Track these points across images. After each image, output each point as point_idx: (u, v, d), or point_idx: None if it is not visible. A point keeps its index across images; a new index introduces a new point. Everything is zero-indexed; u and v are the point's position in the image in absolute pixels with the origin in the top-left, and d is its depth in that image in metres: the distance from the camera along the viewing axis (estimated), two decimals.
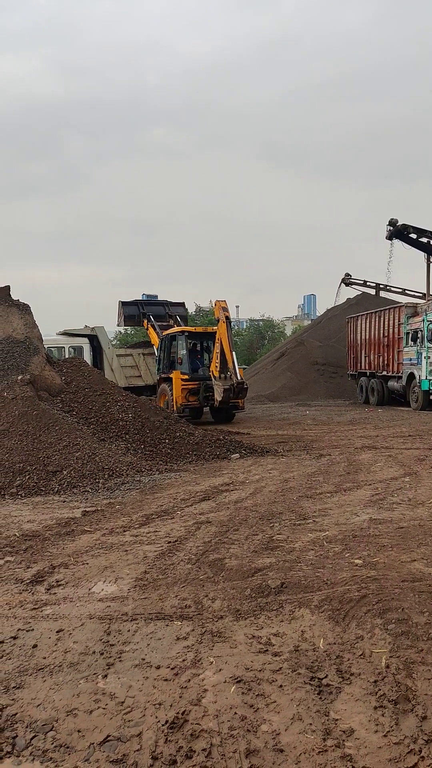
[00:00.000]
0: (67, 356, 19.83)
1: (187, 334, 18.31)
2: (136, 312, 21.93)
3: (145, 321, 21.59)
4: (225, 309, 17.17)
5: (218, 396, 16.42)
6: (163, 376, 18.55)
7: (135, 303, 22.53)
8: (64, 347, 20.96)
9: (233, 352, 17.04)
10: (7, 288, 11.48)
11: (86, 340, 21.29)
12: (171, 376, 17.57)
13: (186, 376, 17.35)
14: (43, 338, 14.50)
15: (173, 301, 23.01)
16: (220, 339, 16.72)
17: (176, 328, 18.92)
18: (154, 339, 20.66)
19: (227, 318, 16.92)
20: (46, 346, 14.96)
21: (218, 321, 17.07)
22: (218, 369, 16.55)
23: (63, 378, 11.11)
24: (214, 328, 18.12)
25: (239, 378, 16.96)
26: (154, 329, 20.80)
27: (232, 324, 17.60)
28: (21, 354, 10.62)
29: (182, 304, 23.22)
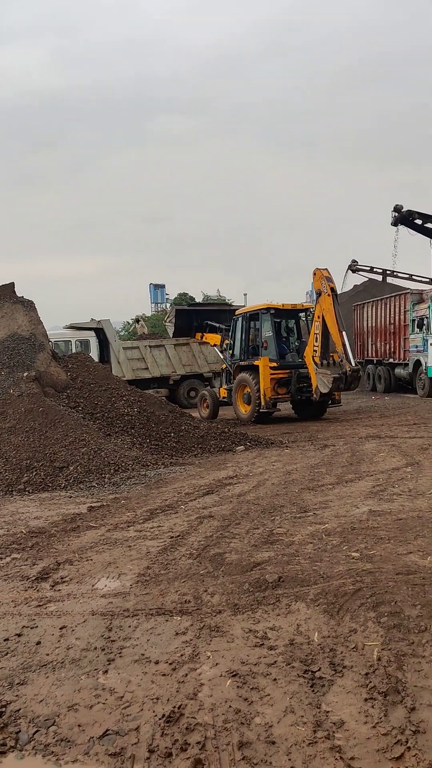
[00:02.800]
0: (73, 350, 19.98)
1: (273, 311, 15.12)
2: (189, 323, 19.40)
3: (198, 334, 19.35)
4: (329, 279, 14.39)
5: (323, 387, 13.70)
6: (241, 363, 15.50)
7: (191, 310, 20.12)
8: (70, 341, 21.08)
9: (343, 332, 14.34)
10: (12, 285, 11.58)
11: (93, 333, 21.38)
12: (255, 363, 14.70)
13: (275, 364, 14.57)
14: (50, 332, 14.63)
15: (236, 306, 20.59)
16: (321, 316, 14.07)
17: (257, 305, 15.88)
18: (214, 338, 18.37)
19: (332, 290, 14.23)
20: (52, 340, 15.10)
21: (319, 294, 14.36)
22: (319, 354, 14.05)
23: (68, 374, 11.22)
24: (305, 304, 16.07)
25: (353, 364, 14.42)
26: (212, 331, 18.65)
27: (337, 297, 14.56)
28: (26, 351, 10.73)
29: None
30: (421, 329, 20.24)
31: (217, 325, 18.66)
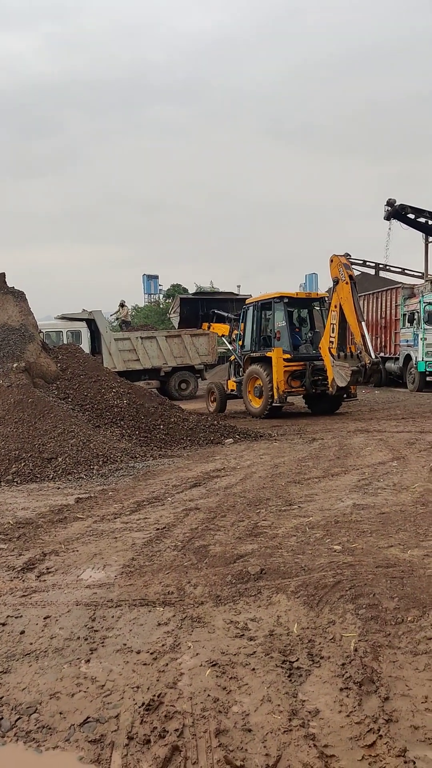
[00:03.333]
0: (65, 341, 19.95)
1: (287, 300, 14.31)
2: (195, 312, 18.58)
3: (205, 324, 18.65)
4: (347, 266, 13.91)
5: (341, 380, 13.11)
6: (252, 355, 14.83)
7: (196, 299, 19.03)
8: (62, 332, 21.04)
9: (362, 323, 13.73)
10: (2, 275, 11.56)
11: (84, 324, 21.36)
12: (268, 355, 14.01)
13: (288, 355, 13.83)
14: (41, 322, 14.60)
15: (241, 295, 19.25)
16: (339, 306, 13.53)
17: (270, 294, 14.95)
18: (222, 328, 17.77)
19: (351, 278, 13.66)
20: (43, 331, 15.08)
21: (336, 282, 13.84)
22: (335, 345, 13.44)
23: (58, 365, 11.24)
24: (319, 293, 15.40)
25: (373, 356, 13.72)
26: (219, 321, 17.95)
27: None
28: (16, 341, 10.73)
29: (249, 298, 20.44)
30: (411, 324, 20.34)
31: (226, 314, 18.00)
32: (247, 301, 16.04)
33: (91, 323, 21.27)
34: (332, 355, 13.50)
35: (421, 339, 19.44)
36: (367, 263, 33.67)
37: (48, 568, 4.60)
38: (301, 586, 3.86)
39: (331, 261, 14.28)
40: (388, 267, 33.10)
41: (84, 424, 9.57)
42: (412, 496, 6.13)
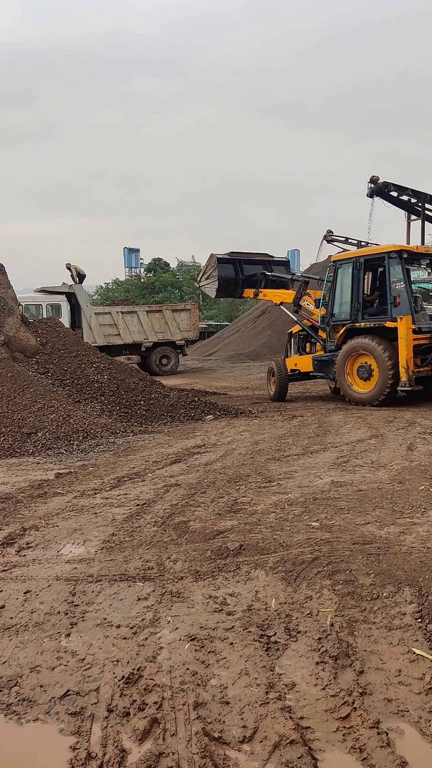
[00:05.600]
0: (44, 314, 19.77)
1: (406, 255, 11.71)
2: (234, 276, 15.13)
3: (251, 291, 15.26)
4: None
5: None
6: (358, 326, 12.03)
7: (234, 260, 15.25)
8: (41, 305, 20.87)
9: None
10: None
11: (64, 297, 21.18)
12: (388, 325, 11.38)
13: (414, 326, 11.11)
14: (21, 295, 14.42)
15: (277, 257, 16.05)
16: None
17: (381, 247, 12.56)
18: (281, 295, 14.69)
19: None
20: (23, 304, 14.89)
21: None
22: None
23: (38, 339, 11.15)
24: None
25: None
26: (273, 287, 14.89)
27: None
28: None
29: (287, 263, 16.66)
30: None
31: (290, 276, 15.11)
32: (336, 257, 13.32)
33: (71, 297, 21.10)
34: None
35: None
36: (349, 240, 33.73)
37: (28, 543, 4.62)
38: (280, 562, 3.92)
39: None
40: (370, 245, 33.17)
41: (64, 399, 9.53)
42: (390, 473, 6.22)
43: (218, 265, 15.01)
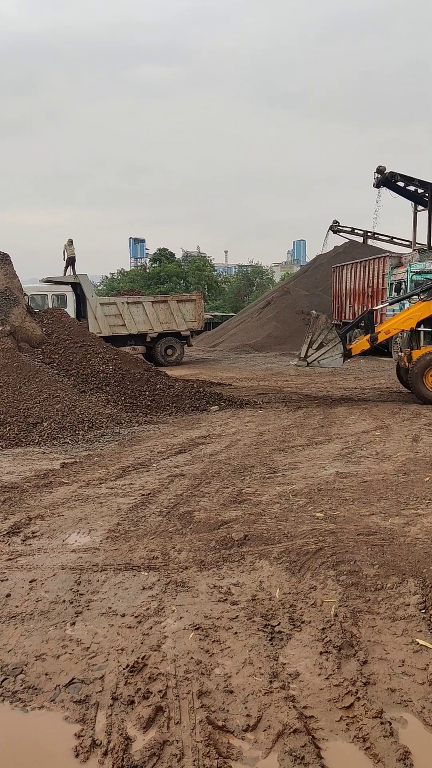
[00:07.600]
0: (50, 304, 19.77)
1: None
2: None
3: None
4: None
5: None
6: None
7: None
8: (47, 295, 20.82)
9: None
10: None
11: (70, 287, 21.14)
12: None
13: None
14: (26, 286, 14.42)
15: None
16: None
17: None
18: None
19: None
20: (28, 294, 14.90)
21: None
22: None
23: (44, 329, 11.15)
24: None
25: None
26: None
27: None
28: (1, 305, 10.61)
29: None
30: (398, 293, 20.33)
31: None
32: None
33: (76, 287, 21.06)
34: None
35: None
36: (356, 231, 33.61)
37: (34, 533, 4.64)
38: (284, 553, 3.93)
39: None
40: (376, 235, 33.04)
41: (69, 389, 9.54)
42: (394, 465, 6.22)
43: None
